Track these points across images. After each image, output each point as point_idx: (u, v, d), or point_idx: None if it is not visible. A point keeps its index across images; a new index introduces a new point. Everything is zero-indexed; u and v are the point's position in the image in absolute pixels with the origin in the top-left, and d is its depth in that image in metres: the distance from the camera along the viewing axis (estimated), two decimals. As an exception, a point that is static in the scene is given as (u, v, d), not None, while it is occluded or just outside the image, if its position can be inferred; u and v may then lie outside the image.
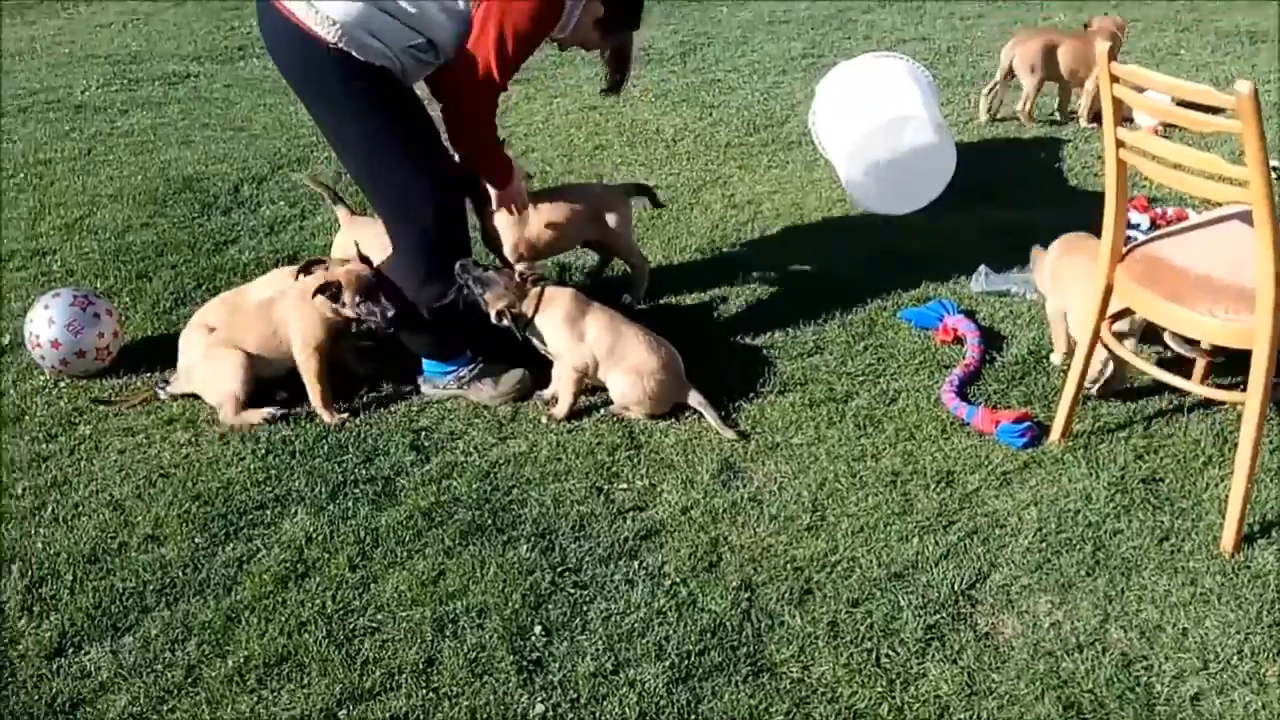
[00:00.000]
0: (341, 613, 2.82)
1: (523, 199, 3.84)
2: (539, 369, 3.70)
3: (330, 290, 3.51)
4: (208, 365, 3.60)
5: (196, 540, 3.06)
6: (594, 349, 3.57)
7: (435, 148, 3.49)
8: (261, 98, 6.77)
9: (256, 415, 3.56)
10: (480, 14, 3.28)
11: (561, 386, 3.61)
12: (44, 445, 3.49)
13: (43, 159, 5.77)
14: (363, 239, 3.78)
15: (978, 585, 2.89)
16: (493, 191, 3.74)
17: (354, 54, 3.24)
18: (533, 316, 3.60)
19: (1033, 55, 5.92)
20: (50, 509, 3.20)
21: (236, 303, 3.83)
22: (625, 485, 3.30)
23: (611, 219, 4.19)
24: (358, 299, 3.52)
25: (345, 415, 3.59)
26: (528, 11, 3.29)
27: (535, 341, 3.64)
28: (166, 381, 3.71)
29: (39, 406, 3.67)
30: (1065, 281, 3.71)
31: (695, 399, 3.56)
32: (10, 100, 6.72)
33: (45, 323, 3.72)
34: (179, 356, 3.74)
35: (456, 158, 3.62)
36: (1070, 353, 3.59)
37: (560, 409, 3.59)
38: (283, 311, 3.62)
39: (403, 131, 3.40)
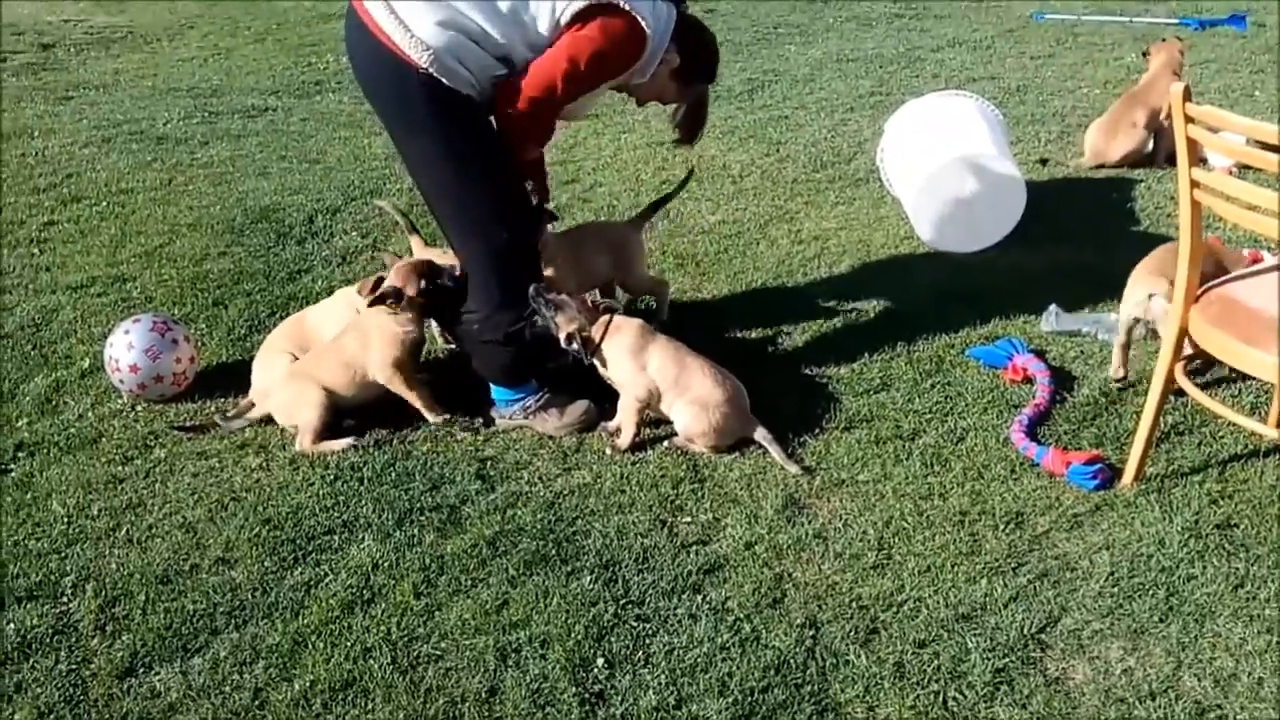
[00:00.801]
0: (406, 639, 2.84)
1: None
2: (605, 401, 3.72)
3: (389, 295, 3.59)
4: (287, 392, 3.66)
5: (266, 564, 3.11)
6: (657, 379, 3.58)
7: (512, 173, 3.55)
8: (337, 131, 6.92)
9: (337, 445, 3.61)
10: (569, 32, 3.33)
11: (624, 416, 3.62)
12: (120, 468, 3.56)
13: (125, 188, 5.94)
14: None
15: (1048, 629, 2.84)
16: None
17: (443, 80, 3.31)
18: (599, 343, 3.62)
19: (1125, 148, 5.86)
20: (125, 530, 3.27)
21: (305, 330, 3.91)
22: (689, 518, 3.29)
23: (623, 255, 4.23)
24: (422, 283, 3.62)
25: (446, 415, 3.69)
26: (615, 34, 3.31)
27: (600, 368, 3.66)
28: (225, 414, 3.77)
29: (116, 429, 3.76)
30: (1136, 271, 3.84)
31: (760, 434, 3.55)
32: (94, 131, 6.93)
33: (125, 347, 3.80)
34: (253, 379, 3.82)
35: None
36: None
37: (623, 439, 3.60)
38: (354, 343, 3.67)
39: (483, 156, 3.44)
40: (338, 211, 5.58)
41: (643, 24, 3.33)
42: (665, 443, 3.62)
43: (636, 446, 3.60)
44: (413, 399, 3.68)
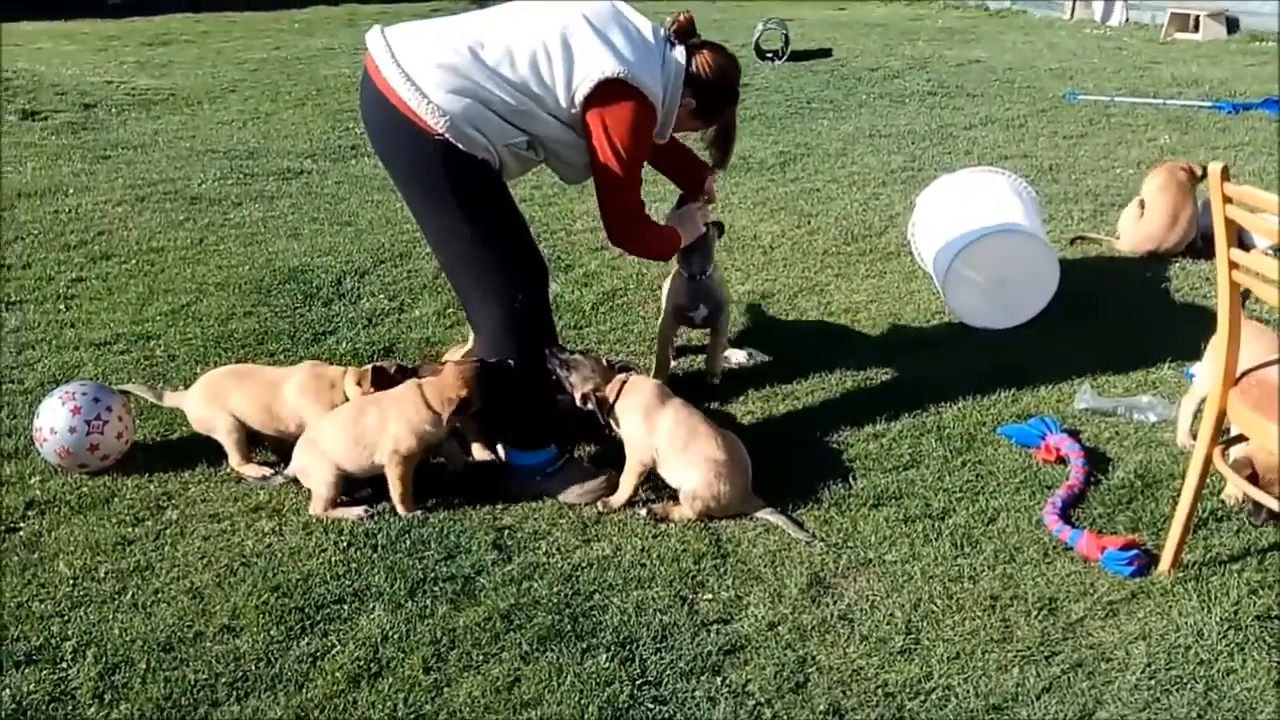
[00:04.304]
0: (413, 717, 2.73)
1: (703, 216, 4.08)
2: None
3: (462, 404, 3.50)
4: (301, 458, 3.59)
5: (272, 633, 3.01)
6: (664, 442, 3.52)
7: (525, 236, 3.59)
8: (369, 194, 6.93)
9: (351, 513, 3.53)
10: (591, 126, 3.40)
11: (625, 475, 3.57)
12: (130, 529, 3.48)
13: (155, 247, 5.95)
14: None
15: (1082, 723, 2.72)
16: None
17: (459, 145, 3.33)
18: (614, 402, 3.59)
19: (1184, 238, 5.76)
20: (130, 594, 3.18)
21: (261, 379, 3.85)
22: (710, 595, 3.19)
23: None
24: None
25: (419, 512, 3.54)
26: (627, 121, 3.39)
27: (614, 428, 3.62)
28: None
29: (129, 490, 3.68)
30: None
31: (765, 513, 3.49)
32: (128, 190, 6.97)
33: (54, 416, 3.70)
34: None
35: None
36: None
37: (617, 498, 3.56)
38: (375, 421, 3.54)
39: (497, 219, 3.47)
40: (366, 274, 5.57)
41: (651, 100, 3.40)
42: (644, 510, 3.53)
43: (658, 519, 3.51)
44: (395, 490, 3.52)
